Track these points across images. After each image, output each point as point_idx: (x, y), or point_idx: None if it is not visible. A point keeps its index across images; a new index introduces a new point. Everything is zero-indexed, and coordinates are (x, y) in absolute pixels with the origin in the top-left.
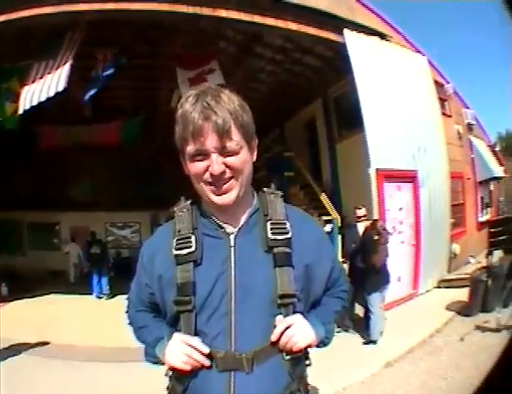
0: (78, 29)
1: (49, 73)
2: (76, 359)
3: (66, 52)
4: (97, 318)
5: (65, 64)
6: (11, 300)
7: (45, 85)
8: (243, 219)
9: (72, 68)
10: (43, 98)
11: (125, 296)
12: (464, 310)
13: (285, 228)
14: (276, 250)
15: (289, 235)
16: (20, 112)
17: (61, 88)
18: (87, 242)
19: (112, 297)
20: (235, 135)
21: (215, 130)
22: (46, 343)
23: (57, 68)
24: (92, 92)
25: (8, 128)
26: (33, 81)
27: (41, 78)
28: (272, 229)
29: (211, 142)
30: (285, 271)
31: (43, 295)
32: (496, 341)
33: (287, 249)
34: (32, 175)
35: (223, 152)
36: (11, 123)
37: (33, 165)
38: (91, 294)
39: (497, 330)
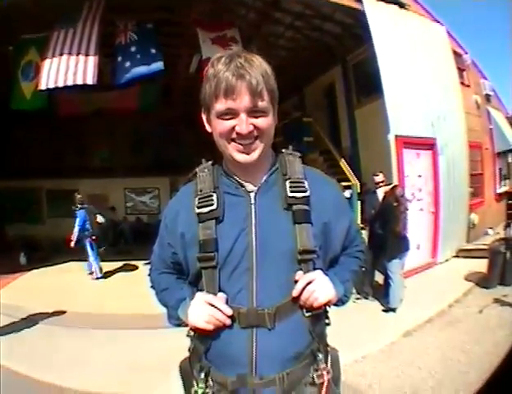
0: None
1: (73, 54)
2: (93, 327)
3: (87, 19)
4: (114, 286)
5: (89, 39)
6: (30, 270)
7: (70, 70)
8: (263, 178)
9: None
10: (69, 83)
11: (144, 263)
12: (482, 282)
13: (304, 186)
14: (295, 208)
15: (307, 194)
16: (42, 88)
17: (90, 81)
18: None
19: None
20: (266, 97)
21: (248, 90)
22: (63, 312)
23: (80, 41)
24: (129, 76)
25: (35, 108)
26: (53, 56)
27: (61, 55)
28: (290, 187)
29: (243, 101)
30: (305, 228)
31: (62, 262)
32: None
33: (306, 207)
34: (50, 142)
35: (252, 112)
36: (36, 103)
37: (51, 132)
38: (108, 260)
39: None
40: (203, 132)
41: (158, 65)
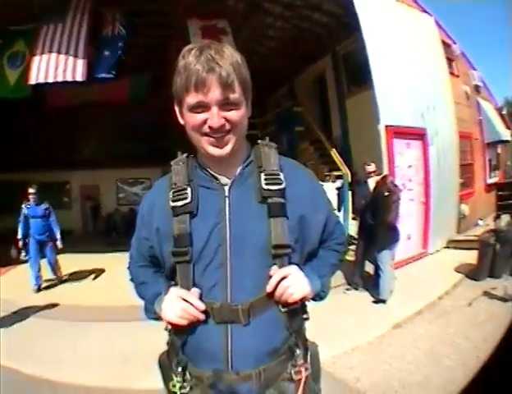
0: None
1: (63, 49)
2: (85, 319)
3: (77, 11)
4: (106, 277)
5: (79, 34)
6: (20, 263)
7: (60, 66)
8: (237, 171)
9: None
10: (59, 79)
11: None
12: (472, 273)
13: (279, 179)
14: (270, 201)
15: (282, 186)
16: (32, 82)
17: (79, 78)
18: None
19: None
20: (237, 89)
21: (218, 83)
22: (55, 305)
23: (70, 36)
24: (111, 63)
25: (17, 97)
26: (42, 51)
27: (51, 51)
28: (265, 179)
29: (213, 94)
30: (280, 221)
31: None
32: (504, 311)
33: (281, 200)
34: (41, 134)
35: (223, 105)
36: (19, 92)
37: (41, 124)
38: (99, 252)
39: (504, 299)
40: None
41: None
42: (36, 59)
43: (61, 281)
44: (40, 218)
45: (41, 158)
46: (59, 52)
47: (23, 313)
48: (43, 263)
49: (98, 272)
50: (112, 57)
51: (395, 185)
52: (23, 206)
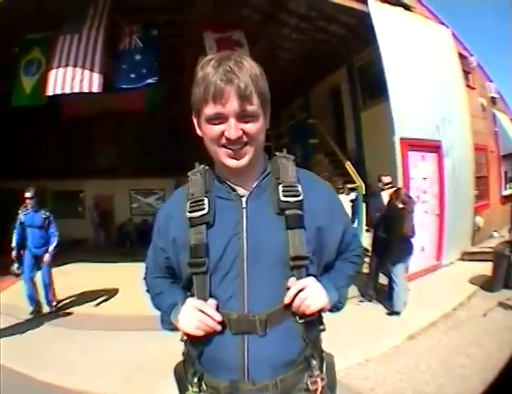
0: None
1: (80, 60)
2: (99, 328)
3: (93, 21)
4: (119, 287)
5: (95, 45)
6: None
7: (77, 77)
8: (255, 182)
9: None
10: (76, 90)
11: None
12: (486, 285)
13: (297, 191)
14: (287, 213)
15: (300, 198)
16: (49, 93)
17: (95, 89)
18: None
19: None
20: (255, 101)
21: (236, 94)
22: (68, 314)
23: (86, 47)
24: (132, 86)
25: (33, 105)
26: (59, 61)
27: (68, 62)
28: (283, 191)
29: (231, 106)
30: (297, 233)
31: (63, 264)
32: None
33: (299, 212)
34: (56, 143)
35: (241, 117)
36: (35, 99)
37: (57, 133)
38: (114, 262)
39: None
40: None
41: (154, 78)
42: (53, 70)
43: (56, 308)
44: (38, 228)
45: (55, 167)
46: (76, 63)
47: (37, 321)
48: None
49: (111, 294)
50: (135, 76)
51: (410, 197)
52: (20, 212)
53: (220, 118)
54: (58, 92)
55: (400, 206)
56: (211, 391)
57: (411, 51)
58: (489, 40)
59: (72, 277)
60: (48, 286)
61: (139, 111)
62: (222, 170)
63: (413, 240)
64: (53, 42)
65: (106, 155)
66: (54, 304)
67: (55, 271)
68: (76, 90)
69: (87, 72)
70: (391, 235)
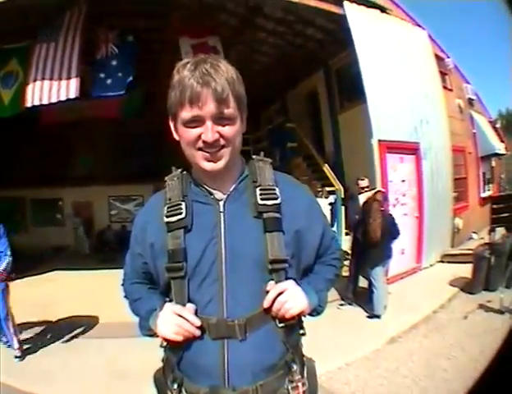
0: (77, 7)
1: (56, 69)
2: (78, 335)
3: (69, 29)
4: (98, 294)
5: (71, 53)
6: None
7: (54, 87)
8: (232, 186)
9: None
10: (53, 100)
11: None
12: (467, 287)
13: (275, 194)
14: (265, 216)
15: (278, 201)
16: (28, 105)
17: (72, 95)
18: None
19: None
20: (232, 103)
21: (213, 97)
22: (48, 322)
23: (63, 55)
24: (110, 94)
25: (9, 115)
26: (36, 72)
27: (44, 71)
28: (261, 194)
29: (208, 108)
30: (276, 236)
31: (47, 272)
32: (500, 323)
33: (277, 215)
34: (34, 151)
35: (218, 120)
36: (13, 110)
37: (34, 141)
38: (93, 269)
39: (501, 312)
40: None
41: (129, 79)
42: (30, 81)
43: (22, 351)
44: None
45: (34, 175)
46: (52, 73)
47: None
48: None
49: (93, 323)
50: (108, 76)
51: (385, 199)
52: None
53: (196, 121)
54: (37, 103)
55: (374, 206)
56: None
57: (388, 53)
58: (466, 43)
59: (59, 283)
60: (5, 320)
61: (117, 117)
62: (199, 173)
63: (392, 244)
64: (30, 51)
65: (84, 162)
66: (17, 346)
67: (39, 278)
68: (54, 100)
69: (64, 81)
70: (366, 238)
